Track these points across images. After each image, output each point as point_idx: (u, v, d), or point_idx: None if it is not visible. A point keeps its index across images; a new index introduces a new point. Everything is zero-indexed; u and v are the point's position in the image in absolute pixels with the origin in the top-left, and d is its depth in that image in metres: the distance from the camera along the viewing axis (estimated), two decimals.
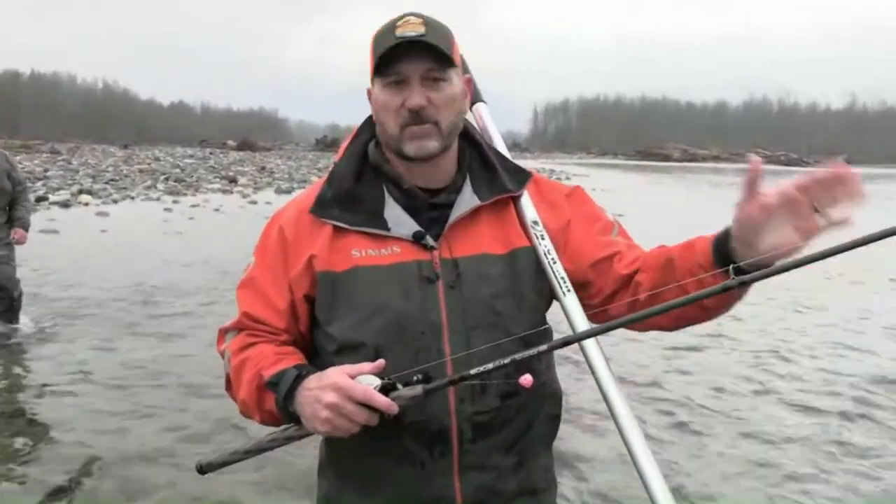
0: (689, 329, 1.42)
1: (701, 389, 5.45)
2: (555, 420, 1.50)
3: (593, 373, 1.36)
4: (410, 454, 1.36)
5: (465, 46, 1.49)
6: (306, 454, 3.80)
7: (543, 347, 1.22)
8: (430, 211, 1.40)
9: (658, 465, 1.29)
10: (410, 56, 1.32)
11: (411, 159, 1.37)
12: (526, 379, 1.22)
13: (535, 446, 1.46)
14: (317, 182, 1.49)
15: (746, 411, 5.07)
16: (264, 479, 3.79)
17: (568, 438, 4.31)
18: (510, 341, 1.33)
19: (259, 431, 1.37)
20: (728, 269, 1.16)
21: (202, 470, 1.33)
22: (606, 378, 1.35)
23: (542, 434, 1.47)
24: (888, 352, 6.63)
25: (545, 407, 1.46)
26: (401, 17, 1.36)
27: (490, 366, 1.20)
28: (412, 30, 1.32)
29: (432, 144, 1.36)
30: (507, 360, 1.20)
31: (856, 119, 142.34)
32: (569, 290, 1.41)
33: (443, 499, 1.37)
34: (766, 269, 1.13)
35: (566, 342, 1.24)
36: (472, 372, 1.20)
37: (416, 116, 1.33)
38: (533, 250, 1.42)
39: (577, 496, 3.77)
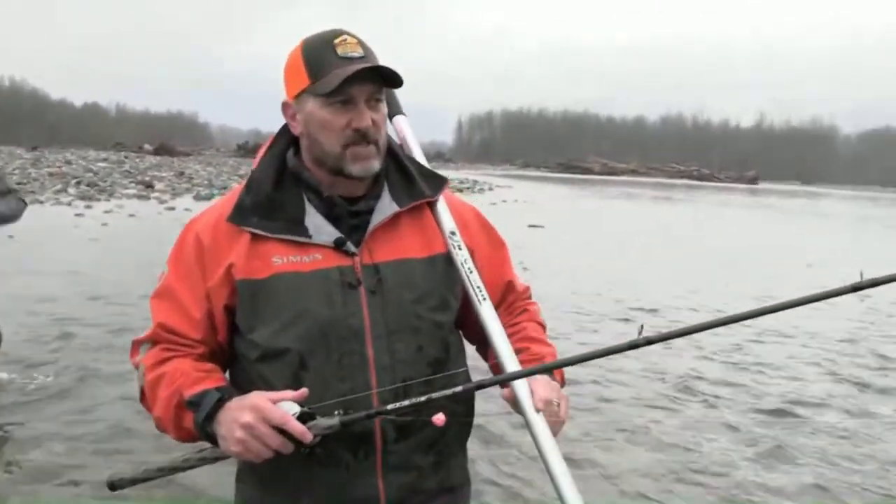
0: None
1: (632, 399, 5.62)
2: (469, 419, 1.55)
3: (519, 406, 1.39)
4: (335, 457, 1.38)
5: (386, 55, 1.52)
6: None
7: (459, 389, 1.27)
8: (351, 218, 1.43)
9: (567, 465, 1.33)
10: (359, 79, 1.34)
11: (353, 177, 1.40)
12: (438, 418, 1.28)
13: (452, 445, 1.51)
14: (234, 189, 1.49)
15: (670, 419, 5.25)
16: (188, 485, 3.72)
17: (483, 437, 4.38)
18: (432, 361, 1.42)
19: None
20: (640, 328, 1.25)
21: (113, 486, 1.32)
22: (528, 407, 1.37)
23: (458, 433, 1.53)
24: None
25: (460, 407, 1.50)
26: (336, 35, 1.38)
27: (406, 402, 1.25)
28: (353, 50, 1.36)
29: (376, 164, 1.41)
30: (423, 399, 1.25)
31: (764, 136, 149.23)
32: (484, 299, 1.46)
33: (367, 499, 1.40)
34: (667, 333, 1.26)
35: (480, 385, 1.29)
36: (389, 408, 1.25)
37: (363, 137, 1.37)
38: (449, 256, 1.47)
39: (490, 492, 3.85)
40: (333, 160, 1.39)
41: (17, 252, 10.64)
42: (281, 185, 1.44)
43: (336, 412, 1.25)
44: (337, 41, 1.36)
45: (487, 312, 1.45)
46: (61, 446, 4.24)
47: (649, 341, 1.20)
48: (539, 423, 1.36)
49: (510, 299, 1.62)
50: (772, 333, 7.85)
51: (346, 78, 1.32)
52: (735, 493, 4.07)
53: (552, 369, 1.39)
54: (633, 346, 1.21)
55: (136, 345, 1.45)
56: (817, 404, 5.69)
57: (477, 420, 1.60)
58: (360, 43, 1.38)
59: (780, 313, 1.22)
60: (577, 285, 10.29)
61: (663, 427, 5.05)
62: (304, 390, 1.27)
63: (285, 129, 1.49)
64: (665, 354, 6.64)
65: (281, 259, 1.38)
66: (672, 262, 13.70)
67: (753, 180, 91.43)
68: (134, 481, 1.31)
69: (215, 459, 1.29)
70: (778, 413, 5.43)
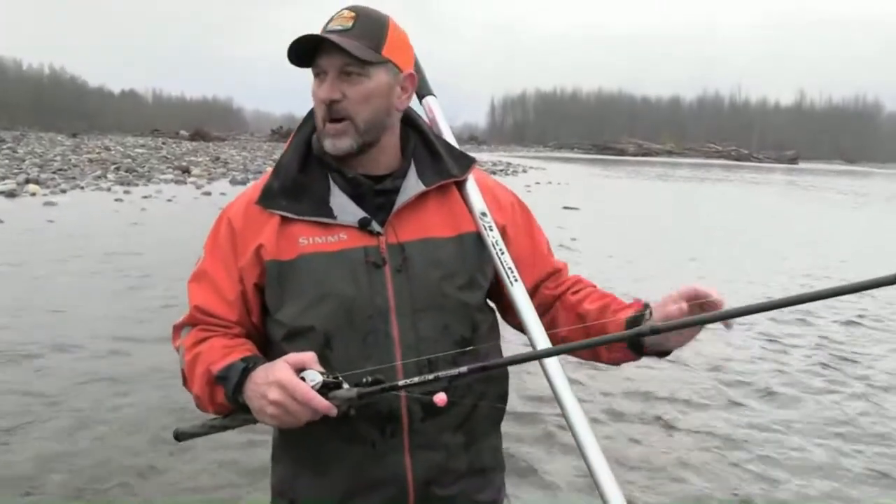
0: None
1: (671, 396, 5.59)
2: (501, 401, 1.55)
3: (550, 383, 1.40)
4: (361, 435, 1.39)
5: (417, 38, 1.52)
6: (262, 439, 3.81)
7: (464, 370, 1.25)
8: (377, 197, 1.44)
9: (606, 459, 1.33)
10: (329, 50, 1.35)
11: (330, 154, 1.42)
12: (440, 398, 1.26)
13: (483, 426, 1.51)
14: (264, 174, 1.51)
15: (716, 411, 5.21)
16: (220, 467, 3.80)
17: (517, 424, 4.39)
18: (458, 340, 1.41)
19: None
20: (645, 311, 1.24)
21: (178, 437, 1.40)
22: (561, 385, 1.38)
23: (490, 414, 1.52)
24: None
25: (492, 387, 1.50)
26: (339, 11, 1.40)
27: (416, 379, 1.25)
28: (340, 24, 1.36)
29: (346, 143, 1.40)
30: (430, 377, 1.25)
31: (804, 115, 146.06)
32: (516, 280, 1.46)
33: (394, 477, 1.41)
34: (672, 322, 1.24)
35: (484, 368, 1.28)
36: (400, 384, 1.25)
37: (331, 110, 1.37)
38: (479, 236, 1.47)
39: (525, 479, 3.84)
40: (319, 134, 1.43)
41: (58, 236, 10.91)
42: (307, 167, 1.46)
43: (364, 379, 1.26)
44: (334, 17, 1.39)
45: (519, 293, 1.44)
46: (97, 431, 4.34)
47: (655, 330, 1.17)
48: (576, 411, 1.36)
49: (559, 278, 1.60)
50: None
51: (303, 47, 1.34)
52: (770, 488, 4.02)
53: (553, 355, 1.37)
54: (638, 334, 1.19)
55: (177, 329, 1.49)
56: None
57: (511, 407, 1.59)
58: (356, 17, 1.37)
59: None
60: (609, 265, 10.21)
61: (698, 417, 5.01)
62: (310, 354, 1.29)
63: (311, 114, 1.51)
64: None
65: (307, 240, 1.39)
66: (703, 248, 13.54)
67: (793, 160, 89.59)
68: (194, 435, 1.39)
69: (256, 422, 1.34)
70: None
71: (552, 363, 1.40)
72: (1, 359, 5.46)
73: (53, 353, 5.65)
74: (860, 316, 7.86)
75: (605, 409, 4.88)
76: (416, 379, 1.25)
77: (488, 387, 1.48)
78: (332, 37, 1.34)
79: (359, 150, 1.41)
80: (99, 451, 4.01)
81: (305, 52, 1.37)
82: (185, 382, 1.45)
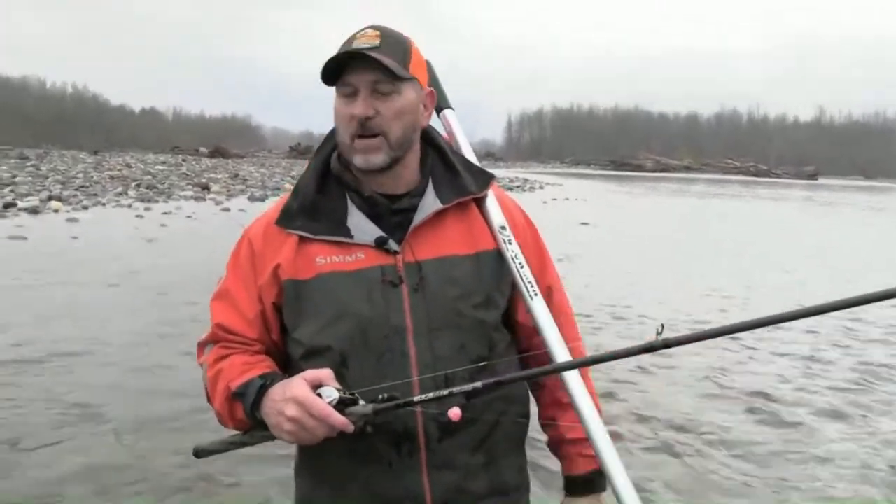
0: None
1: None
2: (523, 419, 1.53)
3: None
4: (378, 454, 1.39)
5: (438, 53, 1.53)
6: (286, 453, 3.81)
7: (479, 385, 1.25)
8: (394, 216, 1.44)
9: (627, 473, 1.34)
10: (360, 68, 1.35)
11: (360, 170, 1.42)
12: (454, 412, 1.27)
13: (504, 445, 1.49)
14: (284, 195, 1.53)
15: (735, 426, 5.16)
16: (243, 482, 3.80)
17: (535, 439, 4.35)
18: (475, 359, 1.40)
19: None
20: (659, 328, 1.18)
21: (197, 454, 1.40)
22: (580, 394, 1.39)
23: (511, 433, 1.50)
24: None
25: (513, 406, 1.49)
26: (361, 30, 1.40)
27: (430, 395, 1.25)
28: (367, 42, 1.36)
29: (379, 158, 1.39)
30: (445, 392, 1.25)
31: (823, 131, 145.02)
32: (536, 295, 1.45)
33: (412, 497, 1.40)
34: (686, 335, 1.19)
35: (499, 382, 1.29)
36: (415, 399, 1.25)
37: (364, 127, 1.37)
38: (498, 253, 1.46)
39: (543, 493, 3.80)
40: (346, 151, 1.42)
41: (81, 253, 11.03)
42: (325, 187, 1.47)
43: (380, 396, 1.26)
44: (358, 35, 1.38)
45: (539, 307, 1.44)
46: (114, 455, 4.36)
47: (667, 344, 1.15)
48: (596, 425, 1.36)
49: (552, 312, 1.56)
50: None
51: (337, 65, 1.35)
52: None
53: (570, 369, 1.38)
54: (650, 348, 1.17)
55: (201, 347, 1.51)
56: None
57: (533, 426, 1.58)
58: (382, 35, 1.37)
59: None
60: (619, 277, 10.16)
61: (717, 437, 4.95)
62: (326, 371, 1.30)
63: (331, 134, 1.52)
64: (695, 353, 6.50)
65: (324, 259, 1.40)
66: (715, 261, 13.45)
67: (813, 175, 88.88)
68: (212, 451, 1.39)
69: (274, 439, 1.35)
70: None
71: (572, 377, 1.40)
72: (24, 370, 5.52)
73: (76, 364, 5.70)
74: (885, 334, 7.76)
75: (627, 429, 4.84)
76: (430, 395, 1.25)
77: (507, 405, 1.47)
78: (372, 52, 1.34)
79: (389, 165, 1.41)
80: (119, 461, 4.02)
81: (332, 70, 1.37)
82: (209, 399, 1.46)
